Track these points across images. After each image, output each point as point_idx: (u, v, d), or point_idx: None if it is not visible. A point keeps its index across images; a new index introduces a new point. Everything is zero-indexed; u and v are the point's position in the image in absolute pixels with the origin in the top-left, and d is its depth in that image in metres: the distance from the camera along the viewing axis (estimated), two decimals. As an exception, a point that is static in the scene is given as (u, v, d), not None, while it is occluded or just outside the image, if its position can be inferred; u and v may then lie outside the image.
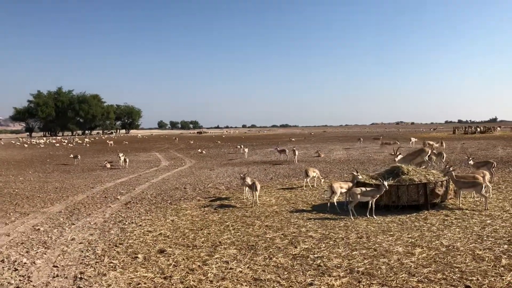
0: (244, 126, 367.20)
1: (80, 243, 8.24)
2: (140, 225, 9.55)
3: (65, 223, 10.07)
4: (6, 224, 10.16)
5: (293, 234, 8.30)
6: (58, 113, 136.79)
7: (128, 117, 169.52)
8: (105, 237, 8.63)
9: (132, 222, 9.89)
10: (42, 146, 58.12)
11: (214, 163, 25.68)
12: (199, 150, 37.51)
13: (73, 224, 9.90)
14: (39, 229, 9.49)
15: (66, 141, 72.25)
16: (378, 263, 6.47)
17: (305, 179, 14.37)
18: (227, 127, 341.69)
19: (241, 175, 12.26)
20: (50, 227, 9.69)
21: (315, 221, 9.33)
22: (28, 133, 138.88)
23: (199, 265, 6.70)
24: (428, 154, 14.72)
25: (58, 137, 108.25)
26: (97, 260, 7.10)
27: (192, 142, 61.22)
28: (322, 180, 14.80)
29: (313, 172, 14.35)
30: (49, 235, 8.90)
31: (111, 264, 6.90)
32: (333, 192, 10.43)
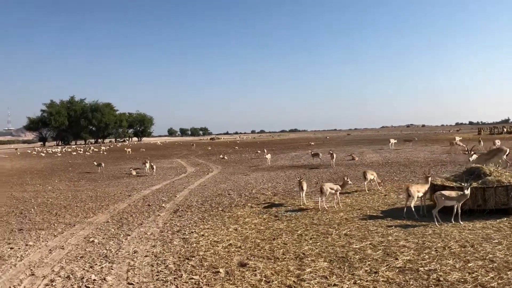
0: (253, 132, 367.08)
1: (146, 256, 7.56)
2: (203, 235, 8.85)
3: (118, 234, 9.42)
4: (55, 236, 9.56)
5: (383, 244, 7.50)
6: (71, 122, 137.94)
7: (140, 124, 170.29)
8: (170, 249, 7.94)
9: (192, 232, 9.20)
10: (59, 155, 58.18)
11: (241, 169, 24.98)
12: (221, 156, 36.93)
13: (128, 235, 9.24)
14: (93, 241, 8.85)
15: (82, 149, 72.39)
16: (507, 276, 5.63)
17: (364, 182, 13.54)
18: (236, 133, 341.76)
19: (298, 179, 11.66)
20: (104, 238, 9.05)
21: (397, 229, 8.52)
22: (41, 143, 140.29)
23: (294, 281, 5.95)
24: (507, 153, 13.69)
25: (73, 146, 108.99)
26: (174, 276, 6.40)
27: (210, 148, 60.75)
28: (380, 183, 13.92)
29: (371, 175, 13.52)
30: (107, 248, 8.25)
31: (193, 280, 6.19)
32: (409, 196, 9.61)
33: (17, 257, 7.94)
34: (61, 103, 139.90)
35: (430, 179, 10.23)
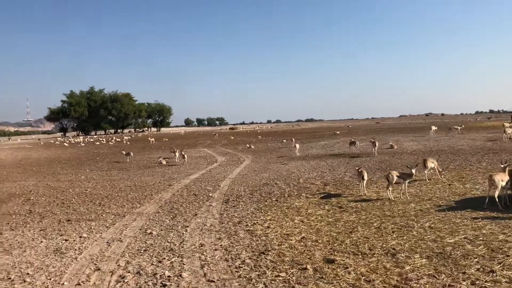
0: (269, 122, 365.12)
1: (215, 250, 7.01)
2: (268, 227, 8.26)
3: (175, 225, 8.92)
4: (107, 227, 9.12)
5: (480, 239, 6.76)
6: (91, 112, 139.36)
7: (159, 114, 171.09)
8: (238, 242, 7.38)
9: (255, 223, 8.63)
10: (82, 145, 58.61)
11: (273, 158, 24.32)
12: (247, 145, 36.41)
13: (186, 226, 8.73)
14: (151, 232, 8.37)
15: (104, 139, 72.92)
16: None
17: (424, 171, 12.73)
18: (252, 122, 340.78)
19: (358, 169, 10.99)
20: (162, 230, 8.56)
21: (486, 221, 7.76)
22: (62, 133, 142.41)
23: (398, 280, 5.29)
24: None
25: (94, 136, 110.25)
26: (257, 272, 5.82)
27: (232, 137, 60.25)
28: (442, 172, 13.06)
29: (432, 163, 12.69)
30: (169, 240, 7.75)
31: (280, 277, 5.60)
32: (492, 185, 8.79)
33: (75, 249, 7.51)
34: (81, 94, 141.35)
35: (507, 168, 9.42)
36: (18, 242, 8.25)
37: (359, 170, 11.16)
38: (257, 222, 8.69)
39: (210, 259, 6.55)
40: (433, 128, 37.28)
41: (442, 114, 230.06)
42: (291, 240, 7.31)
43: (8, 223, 10.08)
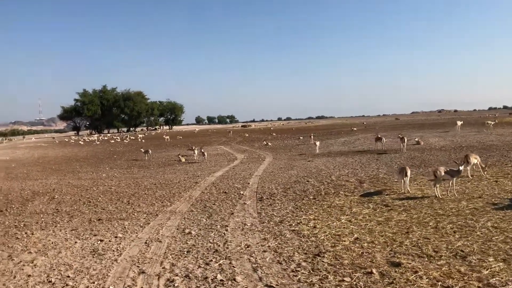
0: (279, 119, 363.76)
1: (264, 251, 6.58)
2: (314, 227, 7.81)
3: (213, 224, 8.53)
4: (141, 226, 8.77)
5: (557, 239, 6.20)
6: (104, 110, 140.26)
7: (171, 113, 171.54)
8: (286, 243, 6.95)
9: (298, 223, 8.18)
10: (97, 143, 58.81)
11: (294, 155, 23.82)
12: (264, 142, 36.01)
13: (226, 226, 8.33)
14: (190, 232, 7.99)
15: (119, 137, 73.17)
16: None
17: (467, 167, 12.12)
18: (262, 120, 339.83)
19: (398, 168, 10.49)
20: (200, 230, 8.17)
21: (555, 220, 7.18)
22: (75, 132, 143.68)
23: (479, 286, 4.80)
24: None
25: (108, 134, 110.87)
26: (318, 277, 5.38)
27: (247, 135, 59.89)
28: (485, 168, 12.44)
29: (474, 159, 12.09)
30: (211, 241, 7.35)
31: (345, 282, 5.15)
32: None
33: (113, 250, 7.16)
34: (94, 92, 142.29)
35: None
36: (52, 243, 7.95)
37: (403, 166, 10.64)
38: (301, 222, 8.24)
39: (261, 261, 6.13)
40: (459, 123, 36.36)
41: (455, 111, 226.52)
42: (344, 241, 6.84)
43: (37, 223, 9.81)
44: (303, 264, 5.90)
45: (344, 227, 7.66)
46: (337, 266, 5.73)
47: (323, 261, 5.95)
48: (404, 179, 10.54)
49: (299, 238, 7.19)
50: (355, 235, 7.10)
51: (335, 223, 8.00)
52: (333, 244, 6.70)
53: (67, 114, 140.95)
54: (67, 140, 78.40)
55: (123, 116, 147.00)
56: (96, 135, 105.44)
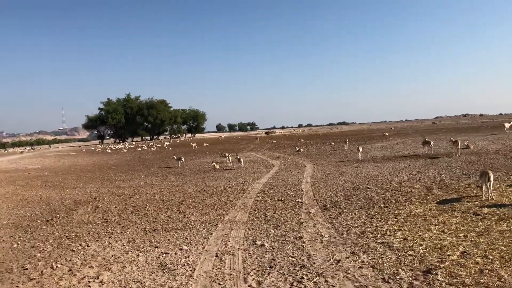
0: (300, 125, 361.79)
1: (359, 267, 5.81)
2: (405, 239, 7.00)
3: (284, 235, 7.83)
4: (204, 237, 8.13)
5: None
6: (128, 119, 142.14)
7: (193, 120, 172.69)
8: (380, 257, 6.20)
9: (383, 234, 7.37)
10: (125, 151, 59.16)
11: (333, 161, 22.91)
12: (297, 148, 35.22)
13: (300, 237, 7.62)
14: (262, 244, 7.30)
15: (145, 145, 73.62)
16: None
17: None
18: (283, 127, 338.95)
19: (480, 172, 9.57)
20: (274, 242, 7.48)
21: None
22: (99, 140, 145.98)
23: None
24: None
25: (133, 143, 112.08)
26: (444, 300, 4.56)
27: (274, 141, 59.24)
28: None
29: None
30: (291, 254, 6.63)
31: (483, 308, 4.31)
32: None
33: (183, 265, 6.53)
34: (117, 101, 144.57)
35: None
36: (112, 256, 7.39)
37: (486, 170, 9.72)
38: (386, 233, 7.43)
39: (363, 279, 5.37)
40: (507, 125, 34.70)
41: (481, 115, 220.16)
42: (450, 255, 6.01)
43: (89, 233, 9.31)
44: (416, 283, 5.11)
45: (440, 239, 6.82)
46: (460, 286, 4.91)
47: (438, 279, 5.16)
48: (488, 184, 9.61)
49: (393, 251, 6.39)
50: (460, 249, 6.25)
51: (426, 234, 7.16)
52: (439, 259, 5.87)
53: (92, 123, 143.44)
54: (93, 148, 79.41)
55: (146, 124, 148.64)
56: (122, 143, 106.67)
